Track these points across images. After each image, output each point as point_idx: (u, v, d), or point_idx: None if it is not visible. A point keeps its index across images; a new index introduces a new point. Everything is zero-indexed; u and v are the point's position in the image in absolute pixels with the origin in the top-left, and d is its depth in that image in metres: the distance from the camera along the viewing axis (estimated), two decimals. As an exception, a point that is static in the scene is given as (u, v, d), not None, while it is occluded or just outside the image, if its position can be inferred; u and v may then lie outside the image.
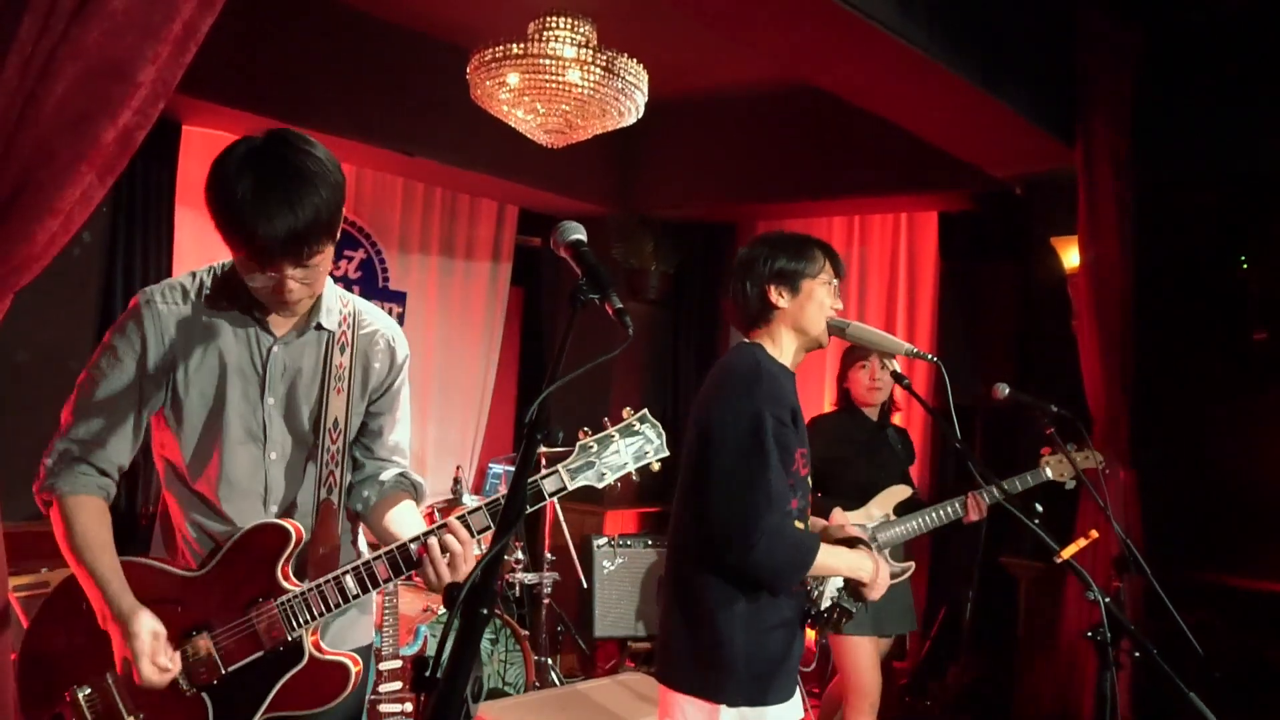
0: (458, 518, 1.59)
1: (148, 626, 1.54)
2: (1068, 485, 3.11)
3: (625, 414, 1.64)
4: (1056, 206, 4.19)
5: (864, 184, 4.91)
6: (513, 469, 1.21)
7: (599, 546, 4.80)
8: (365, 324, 1.80)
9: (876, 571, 2.04)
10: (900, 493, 3.21)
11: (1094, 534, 1.94)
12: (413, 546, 1.58)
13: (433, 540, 1.56)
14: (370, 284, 5.06)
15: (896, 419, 3.66)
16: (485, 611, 0.96)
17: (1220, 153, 4.07)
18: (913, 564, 2.71)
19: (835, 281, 2.18)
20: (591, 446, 1.60)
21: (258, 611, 1.60)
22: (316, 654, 1.63)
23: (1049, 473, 3.13)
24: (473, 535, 1.58)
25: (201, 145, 4.36)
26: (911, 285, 5.25)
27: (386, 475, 1.82)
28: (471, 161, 4.76)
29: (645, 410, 1.64)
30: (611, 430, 1.61)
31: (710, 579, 1.99)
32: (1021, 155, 4.21)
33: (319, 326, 1.73)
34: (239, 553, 1.65)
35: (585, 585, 4.66)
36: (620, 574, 4.81)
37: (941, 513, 3.11)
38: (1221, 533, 3.98)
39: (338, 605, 1.60)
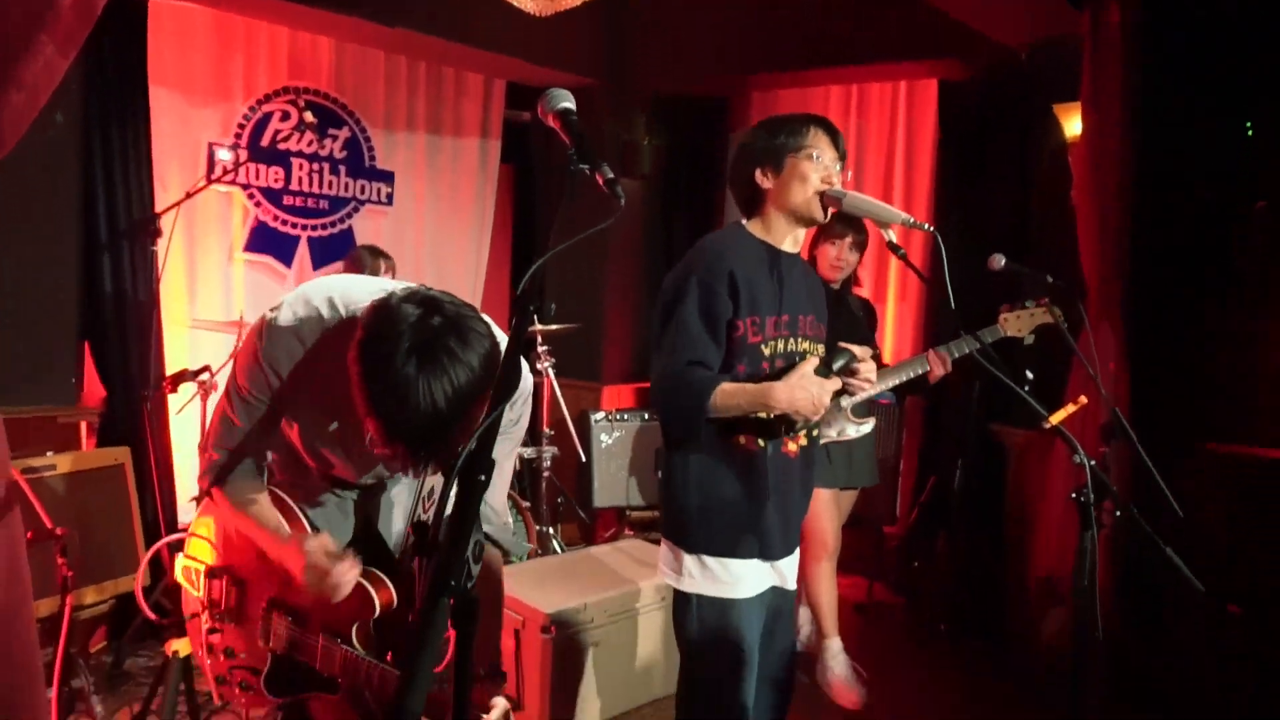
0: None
1: (316, 543, 1.61)
2: (1026, 341, 3.18)
3: None
4: (1061, 74, 4.05)
5: (862, 51, 4.73)
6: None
7: (596, 421, 4.88)
8: None
9: (791, 395, 1.99)
10: (860, 352, 3.28)
11: (1083, 399, 1.96)
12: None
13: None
14: (356, 163, 4.95)
15: (864, 291, 3.80)
16: (483, 478, 0.98)
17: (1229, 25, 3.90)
18: (873, 419, 2.72)
19: (835, 162, 2.13)
20: None
21: (325, 641, 1.65)
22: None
23: (1006, 330, 3.18)
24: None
25: (170, 19, 4.17)
26: (909, 156, 5.15)
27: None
28: (454, 33, 4.57)
29: None
30: None
31: (671, 440, 2.16)
32: (1027, 18, 4.05)
33: None
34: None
35: (584, 459, 4.77)
36: (617, 447, 4.91)
37: (907, 370, 3.17)
38: (1214, 403, 4.02)
39: None
